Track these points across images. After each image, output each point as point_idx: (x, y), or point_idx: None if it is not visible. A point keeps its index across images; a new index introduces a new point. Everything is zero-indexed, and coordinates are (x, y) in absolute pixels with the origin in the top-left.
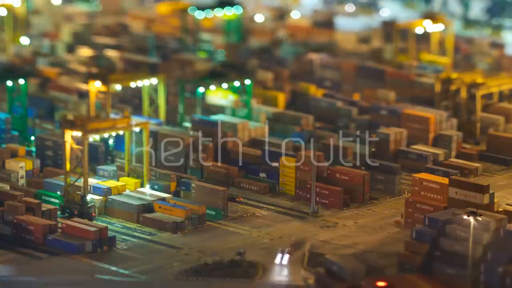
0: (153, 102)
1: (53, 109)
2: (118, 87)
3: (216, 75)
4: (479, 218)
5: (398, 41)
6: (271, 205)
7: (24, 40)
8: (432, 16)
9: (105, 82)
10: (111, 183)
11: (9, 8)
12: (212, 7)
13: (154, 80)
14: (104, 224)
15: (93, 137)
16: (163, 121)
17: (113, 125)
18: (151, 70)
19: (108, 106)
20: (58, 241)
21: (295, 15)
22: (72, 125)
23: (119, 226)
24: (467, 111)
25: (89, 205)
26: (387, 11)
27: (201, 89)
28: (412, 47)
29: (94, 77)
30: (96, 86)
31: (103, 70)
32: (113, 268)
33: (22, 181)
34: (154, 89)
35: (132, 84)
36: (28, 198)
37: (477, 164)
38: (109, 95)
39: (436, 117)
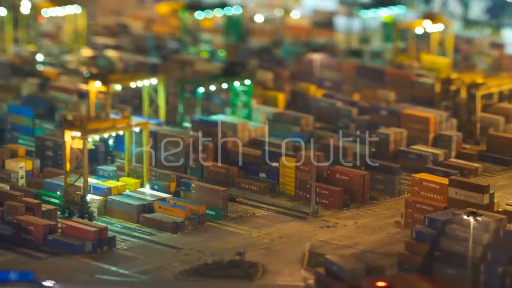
0: (153, 102)
1: (53, 109)
2: (118, 87)
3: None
4: (479, 218)
5: (398, 41)
6: (271, 205)
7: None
8: (431, 16)
9: (105, 82)
10: (111, 183)
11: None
12: (212, 7)
13: (154, 80)
14: (104, 224)
15: (93, 138)
16: (163, 121)
17: (113, 125)
18: (151, 70)
19: (108, 106)
20: (58, 241)
21: (295, 15)
22: (72, 125)
23: (119, 226)
24: (467, 111)
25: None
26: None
27: (201, 89)
28: (412, 47)
29: (94, 77)
30: (96, 86)
31: (103, 71)
32: (113, 268)
33: (22, 181)
34: (154, 89)
35: (132, 84)
36: (28, 198)
37: (477, 164)
38: (109, 95)
39: (436, 117)
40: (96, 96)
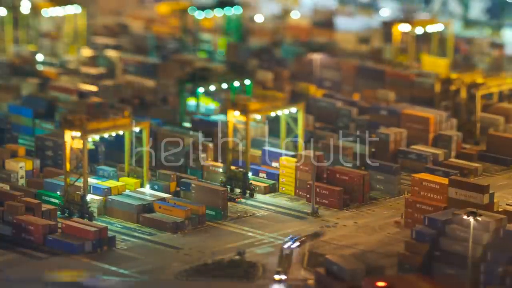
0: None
1: (53, 109)
2: (257, 116)
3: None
4: (479, 218)
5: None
6: (271, 205)
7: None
8: (409, 20)
9: (244, 112)
10: (111, 183)
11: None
12: (212, 7)
13: (293, 109)
14: (104, 224)
15: (93, 138)
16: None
17: (113, 125)
18: (151, 70)
19: (248, 135)
20: (58, 241)
21: (295, 15)
22: (72, 125)
23: (119, 226)
24: (467, 111)
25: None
26: (387, 11)
27: (201, 89)
28: (412, 47)
29: (233, 106)
30: (235, 115)
31: (242, 100)
32: (113, 268)
33: (22, 181)
34: (293, 117)
35: (272, 114)
36: (28, 198)
37: (477, 164)
38: (248, 124)
39: (436, 117)
40: (234, 126)
